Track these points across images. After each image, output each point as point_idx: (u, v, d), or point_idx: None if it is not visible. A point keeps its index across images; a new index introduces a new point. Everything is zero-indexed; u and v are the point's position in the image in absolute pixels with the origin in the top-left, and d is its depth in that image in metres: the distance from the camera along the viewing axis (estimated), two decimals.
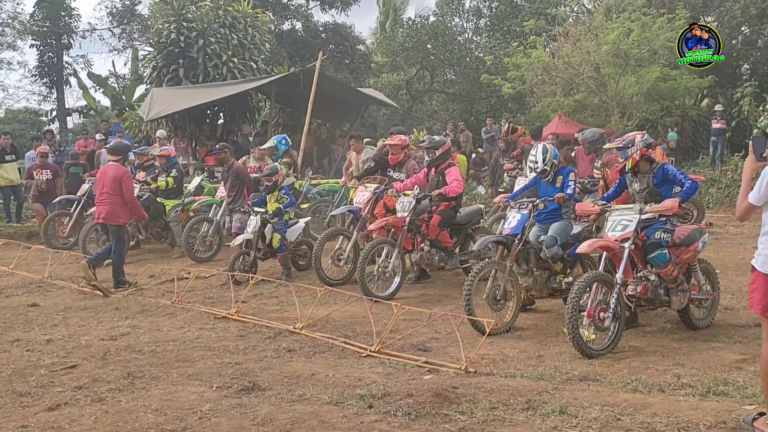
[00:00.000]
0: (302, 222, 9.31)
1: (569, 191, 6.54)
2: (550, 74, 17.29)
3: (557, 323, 6.30)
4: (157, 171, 10.94)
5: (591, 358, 5.32)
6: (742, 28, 21.24)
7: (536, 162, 6.60)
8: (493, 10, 26.71)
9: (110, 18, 28.66)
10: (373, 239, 8.08)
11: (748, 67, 22.26)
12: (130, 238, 10.24)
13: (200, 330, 6.47)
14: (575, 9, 23.21)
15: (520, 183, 9.37)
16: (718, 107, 18.26)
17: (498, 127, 18.58)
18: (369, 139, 12.60)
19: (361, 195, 8.76)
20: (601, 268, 5.70)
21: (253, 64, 16.66)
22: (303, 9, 25.28)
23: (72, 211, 11.70)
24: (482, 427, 3.96)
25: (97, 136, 16.63)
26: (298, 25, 24.89)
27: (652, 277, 5.80)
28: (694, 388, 4.51)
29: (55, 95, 28.54)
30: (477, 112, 23.60)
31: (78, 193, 11.82)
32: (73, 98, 31.15)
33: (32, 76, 28.44)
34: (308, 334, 6.11)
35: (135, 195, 9.19)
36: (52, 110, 28.85)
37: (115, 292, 8.38)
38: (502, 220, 6.98)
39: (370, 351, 5.56)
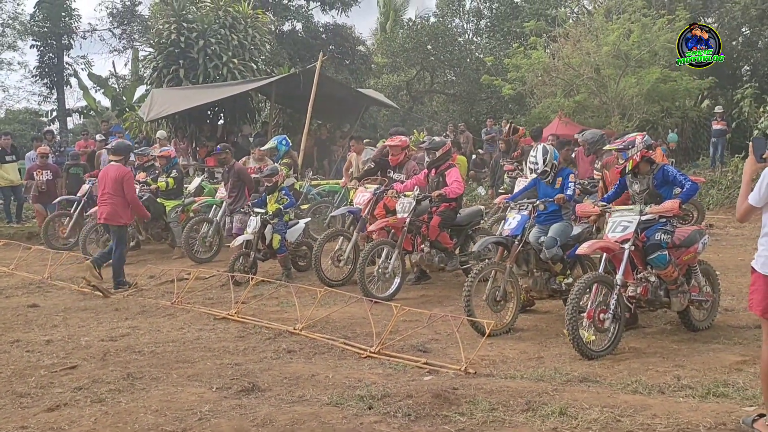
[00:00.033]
0: (302, 223, 9.31)
1: (569, 192, 6.54)
2: (550, 75, 17.31)
3: (557, 324, 6.30)
4: (157, 172, 10.95)
5: (591, 359, 5.31)
6: (743, 30, 21.26)
7: (536, 163, 6.60)
8: (494, 11, 26.74)
9: (110, 19, 28.70)
10: (373, 240, 8.07)
11: (748, 68, 22.27)
12: (129, 238, 10.24)
13: (200, 331, 6.47)
14: (575, 10, 23.24)
15: (520, 184, 9.37)
16: (718, 109, 18.27)
17: (498, 128, 18.58)
18: (369, 140, 12.59)
19: (361, 196, 8.76)
20: (601, 270, 5.70)
21: (253, 64, 16.66)
22: (303, 10, 25.29)
23: (72, 211, 11.70)
24: (482, 428, 3.96)
25: (98, 137, 16.63)
26: (299, 26, 24.91)
27: (652, 279, 5.80)
28: (694, 389, 4.51)
29: (55, 96, 28.56)
30: (477, 113, 23.62)
31: (78, 194, 11.83)
32: (73, 99, 31.23)
33: (33, 76, 28.48)
34: (308, 335, 6.11)
35: (137, 195, 9.20)
36: (52, 111, 28.86)
37: (115, 292, 8.38)
38: (502, 221, 6.98)
39: (370, 352, 5.56)
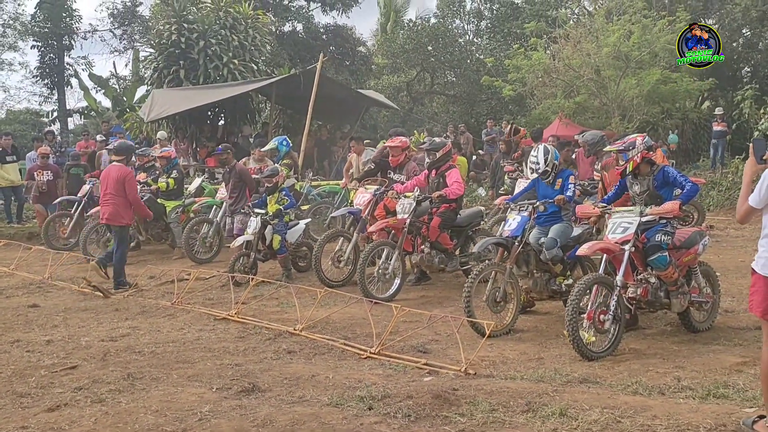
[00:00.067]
0: (302, 223, 9.31)
1: (569, 194, 6.54)
2: (550, 76, 17.33)
3: (557, 325, 6.30)
4: (157, 172, 10.95)
5: (591, 360, 5.32)
6: (743, 31, 21.28)
7: (537, 162, 6.60)
8: (494, 12, 26.76)
9: (111, 19, 28.73)
10: (373, 241, 8.08)
11: (748, 70, 22.29)
12: (129, 239, 10.25)
13: (200, 331, 6.47)
14: (576, 11, 23.25)
15: (520, 185, 9.36)
16: (718, 110, 18.28)
17: (498, 129, 18.59)
18: (369, 141, 12.60)
19: (362, 197, 8.76)
20: (601, 271, 5.70)
21: (253, 65, 16.67)
22: (304, 11, 25.31)
23: (72, 212, 11.70)
24: (482, 429, 3.96)
25: (98, 137, 16.63)
26: (299, 27, 24.92)
27: (653, 280, 5.80)
28: (695, 390, 4.52)
29: (56, 96, 28.59)
30: (477, 114, 23.64)
31: (78, 194, 11.82)
32: (74, 99, 31.25)
33: (33, 77, 28.52)
34: (308, 336, 6.11)
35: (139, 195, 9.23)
36: (53, 111, 28.87)
37: (116, 293, 8.38)
38: (503, 222, 6.98)
39: (370, 353, 5.56)
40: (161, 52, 16.49)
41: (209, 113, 17.35)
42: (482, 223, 8.60)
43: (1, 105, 32.02)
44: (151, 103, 15.56)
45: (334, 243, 8.60)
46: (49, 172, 13.17)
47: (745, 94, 16.60)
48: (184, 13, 16.50)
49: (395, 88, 25.71)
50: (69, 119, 29.23)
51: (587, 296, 5.48)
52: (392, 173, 8.89)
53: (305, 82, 14.90)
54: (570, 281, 6.45)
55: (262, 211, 8.67)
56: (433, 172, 8.01)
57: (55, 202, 12.42)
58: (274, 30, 21.74)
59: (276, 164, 10.52)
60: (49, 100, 29.69)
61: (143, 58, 23.41)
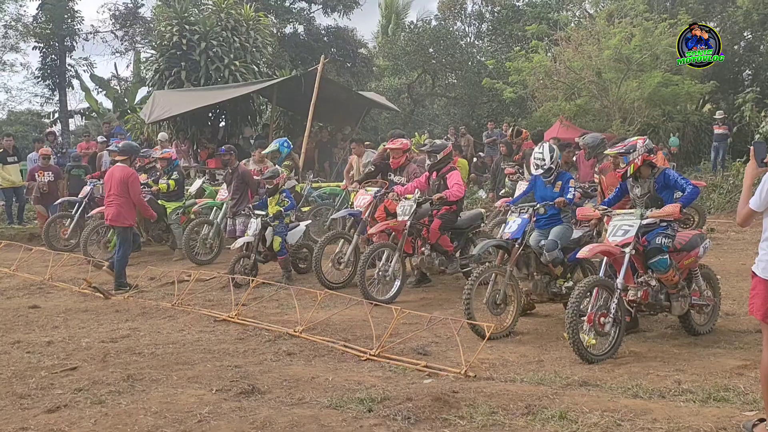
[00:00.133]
0: (303, 225, 9.31)
1: (569, 196, 6.53)
2: (551, 79, 17.34)
3: (557, 328, 6.29)
4: (158, 174, 10.96)
5: (591, 363, 5.31)
6: (745, 34, 21.28)
7: (543, 159, 6.57)
8: (495, 14, 26.80)
9: (113, 21, 28.72)
10: (373, 243, 8.07)
11: (750, 72, 22.27)
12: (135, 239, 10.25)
13: (200, 333, 6.46)
14: (577, 14, 23.27)
15: (521, 187, 9.37)
16: (719, 113, 18.26)
17: (499, 131, 18.59)
18: (370, 143, 12.60)
19: (362, 198, 8.76)
20: (601, 273, 5.70)
21: (254, 67, 16.69)
22: (305, 12, 25.34)
23: (74, 213, 11.71)
24: (482, 431, 3.95)
25: (99, 138, 16.66)
26: (300, 29, 24.95)
27: (653, 283, 5.79)
28: (695, 393, 4.51)
29: (57, 97, 28.58)
30: (478, 116, 23.63)
31: (80, 195, 11.83)
32: (75, 100, 31.28)
33: (35, 78, 28.53)
34: (308, 338, 6.11)
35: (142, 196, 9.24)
36: (54, 112, 28.86)
37: (116, 294, 8.39)
38: (503, 225, 6.98)
39: (370, 355, 5.56)
40: (162, 54, 16.51)
41: (210, 115, 17.37)
42: (483, 225, 8.60)
43: (3, 106, 32.07)
44: (152, 104, 15.58)
45: (335, 245, 8.60)
46: (50, 173, 13.18)
47: (746, 97, 16.59)
48: (186, 14, 16.52)
49: (396, 90, 25.71)
50: (70, 120, 29.24)
51: (587, 299, 5.47)
52: (393, 175, 8.89)
53: (306, 84, 14.91)
54: (570, 284, 6.44)
55: (263, 213, 8.67)
56: (434, 174, 8.01)
57: (56, 203, 12.44)
58: (275, 32, 21.77)
59: (277, 166, 10.53)
60: (51, 101, 29.72)
61: (144, 59, 23.43)
